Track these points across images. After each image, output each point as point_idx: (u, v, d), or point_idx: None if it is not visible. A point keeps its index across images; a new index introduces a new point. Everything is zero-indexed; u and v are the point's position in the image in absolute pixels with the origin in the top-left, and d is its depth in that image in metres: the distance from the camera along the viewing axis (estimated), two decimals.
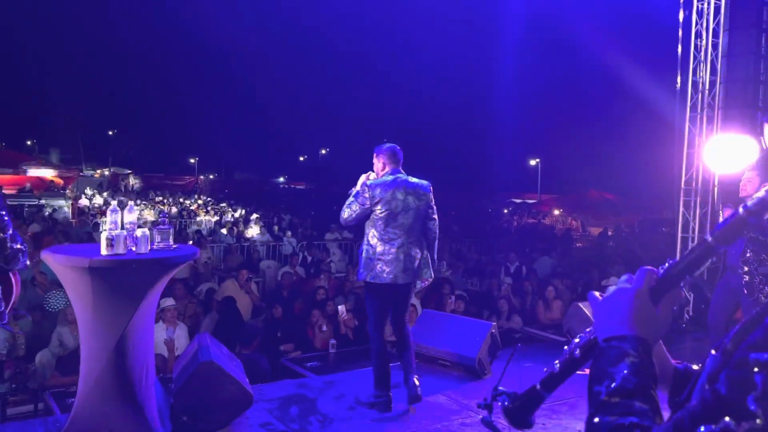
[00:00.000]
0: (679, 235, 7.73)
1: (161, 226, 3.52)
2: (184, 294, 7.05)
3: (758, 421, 0.63)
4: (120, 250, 3.21)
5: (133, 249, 3.32)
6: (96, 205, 21.20)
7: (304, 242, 12.84)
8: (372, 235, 4.13)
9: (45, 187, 21.93)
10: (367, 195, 4.10)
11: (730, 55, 7.71)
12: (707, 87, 7.59)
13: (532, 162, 44.29)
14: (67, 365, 5.19)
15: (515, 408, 1.11)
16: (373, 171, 4.29)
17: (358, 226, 4.39)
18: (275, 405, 4.25)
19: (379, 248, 4.09)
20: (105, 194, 26.84)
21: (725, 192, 7.29)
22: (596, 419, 0.76)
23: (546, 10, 40.64)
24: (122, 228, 3.37)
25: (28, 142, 46.76)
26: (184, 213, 20.86)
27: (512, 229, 20.91)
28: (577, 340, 1.04)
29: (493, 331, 5.08)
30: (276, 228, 15.38)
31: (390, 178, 4.17)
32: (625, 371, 0.79)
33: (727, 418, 0.64)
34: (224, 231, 14.65)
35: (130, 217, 3.43)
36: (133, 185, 33.86)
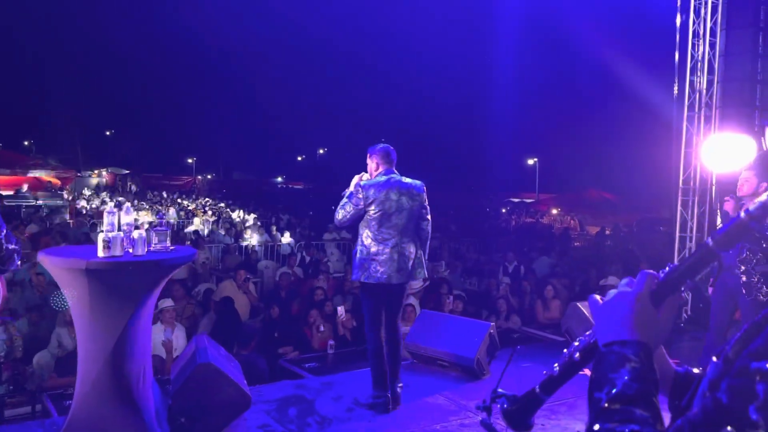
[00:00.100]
0: (677, 234, 7.74)
1: (158, 228, 3.51)
2: (183, 295, 7.03)
3: (760, 431, 0.62)
4: (117, 252, 3.20)
5: (130, 251, 3.30)
6: (94, 206, 21.17)
7: (302, 242, 12.83)
8: (366, 236, 4.15)
9: (42, 188, 21.91)
10: (360, 196, 4.11)
11: (728, 55, 7.72)
12: (705, 86, 7.59)
13: (530, 161, 44.31)
14: (65, 366, 5.17)
15: (514, 410, 1.10)
16: (366, 172, 4.29)
17: (356, 227, 4.39)
18: (273, 406, 4.24)
19: (373, 248, 4.10)
20: (103, 195, 26.81)
21: (723, 191, 7.30)
22: (596, 426, 0.75)
23: (544, 9, 40.70)
24: (119, 229, 3.36)
25: (26, 143, 46.67)
26: (182, 213, 20.83)
27: (510, 228, 20.94)
28: (576, 343, 1.03)
29: (492, 331, 5.07)
30: (274, 228, 15.36)
31: (383, 178, 4.18)
32: (626, 377, 0.78)
33: (728, 428, 0.64)
34: (222, 231, 14.65)
35: (128, 218, 3.42)
36: (130, 186, 33.82)
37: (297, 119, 57.32)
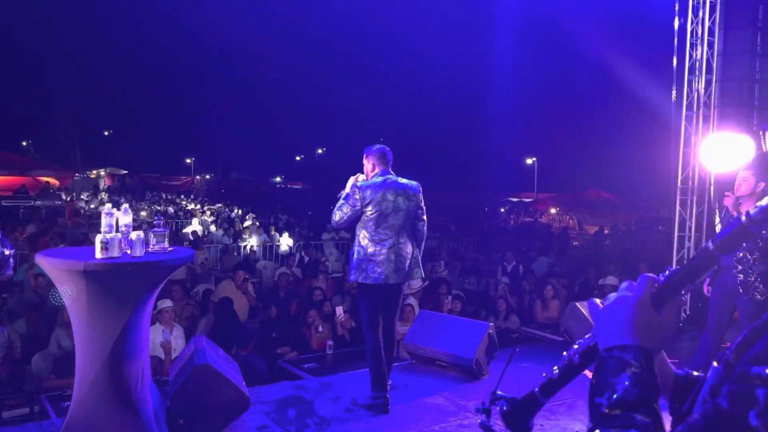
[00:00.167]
0: (676, 233, 7.74)
1: (157, 229, 3.50)
2: (181, 295, 7.03)
3: None
4: (115, 253, 3.19)
5: (129, 252, 3.30)
6: (92, 207, 21.14)
7: (301, 242, 12.82)
8: (363, 236, 4.15)
9: (41, 188, 21.84)
10: (357, 197, 4.12)
11: (726, 54, 7.72)
12: (703, 86, 7.59)
13: (529, 161, 44.35)
14: (64, 367, 5.16)
15: (513, 413, 1.10)
16: (362, 173, 4.30)
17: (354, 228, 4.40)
18: (272, 407, 4.23)
19: (371, 249, 4.11)
20: (101, 195, 26.77)
21: (721, 191, 7.30)
22: None
23: (542, 9, 40.70)
24: (117, 231, 3.35)
25: (24, 143, 46.60)
26: (181, 213, 20.82)
27: (509, 228, 20.94)
28: (576, 347, 1.03)
29: (491, 331, 5.07)
30: (272, 228, 15.35)
31: (380, 179, 4.19)
32: (627, 382, 0.77)
33: None
34: (221, 232, 14.63)
35: (126, 219, 3.41)
36: (128, 183, 33.72)
37: (295, 119, 57.32)
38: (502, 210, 28.35)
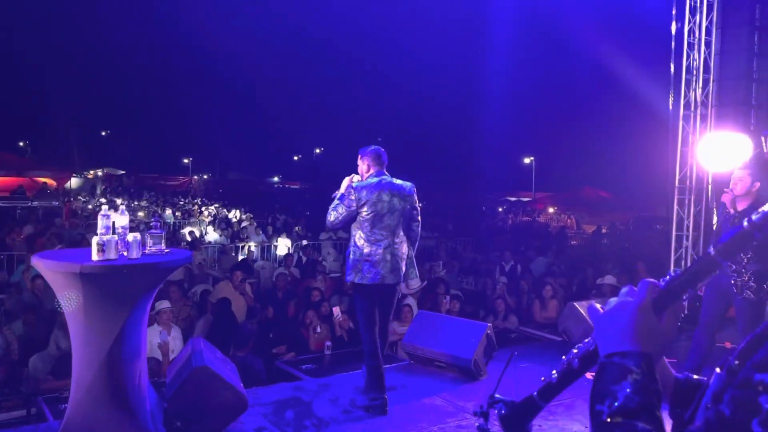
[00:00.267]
0: (674, 233, 7.75)
1: (153, 231, 3.49)
2: (179, 296, 7.01)
3: None
4: (111, 255, 3.18)
5: (125, 254, 3.28)
6: (90, 207, 21.09)
7: (299, 243, 12.80)
8: (359, 237, 4.16)
9: (38, 189, 21.79)
10: (353, 197, 4.12)
11: (724, 53, 7.73)
12: (700, 85, 7.59)
13: (527, 160, 44.39)
14: (61, 369, 5.14)
15: (512, 416, 1.09)
16: (357, 173, 4.30)
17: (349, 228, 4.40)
18: (270, 409, 4.22)
19: (366, 249, 4.12)
20: (99, 195, 26.71)
21: (719, 190, 7.30)
22: None
23: (540, 9, 40.72)
24: (114, 232, 3.33)
25: (21, 143, 46.48)
26: (178, 214, 20.78)
27: (507, 227, 20.94)
28: (575, 351, 1.02)
29: (489, 332, 5.06)
30: (270, 229, 15.33)
31: (375, 180, 4.20)
32: (628, 389, 0.76)
33: None
34: (218, 232, 14.60)
35: (123, 220, 3.39)
36: (126, 182, 33.63)
37: (293, 119, 57.31)
38: (500, 209, 28.38)
